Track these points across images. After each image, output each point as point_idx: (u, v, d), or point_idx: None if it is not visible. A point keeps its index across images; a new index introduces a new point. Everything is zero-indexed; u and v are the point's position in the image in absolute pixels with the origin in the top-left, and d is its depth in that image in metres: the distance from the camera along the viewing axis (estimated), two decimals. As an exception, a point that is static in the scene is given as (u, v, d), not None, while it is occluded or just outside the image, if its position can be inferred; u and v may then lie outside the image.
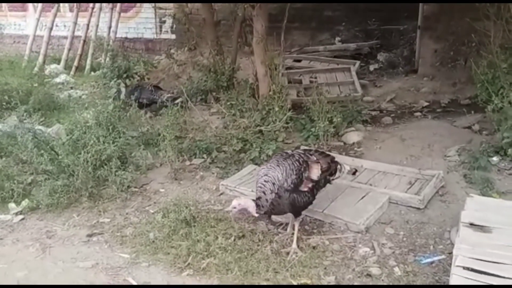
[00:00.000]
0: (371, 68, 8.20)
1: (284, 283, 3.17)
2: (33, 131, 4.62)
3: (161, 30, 10.85)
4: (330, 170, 3.75)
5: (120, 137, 4.70)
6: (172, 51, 9.39)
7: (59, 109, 6.86)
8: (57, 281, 3.24)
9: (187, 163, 5.02)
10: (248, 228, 3.79)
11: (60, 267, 3.43)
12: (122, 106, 5.54)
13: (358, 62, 8.00)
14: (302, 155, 3.66)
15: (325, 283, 3.15)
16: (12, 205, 4.23)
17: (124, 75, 7.17)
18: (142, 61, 7.70)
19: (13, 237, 3.83)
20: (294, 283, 3.16)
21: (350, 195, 4.13)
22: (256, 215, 3.57)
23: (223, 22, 7.27)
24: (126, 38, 10.97)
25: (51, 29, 10.09)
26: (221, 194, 4.46)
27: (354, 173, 4.18)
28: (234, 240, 3.64)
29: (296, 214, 3.62)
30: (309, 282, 3.17)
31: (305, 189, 3.54)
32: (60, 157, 4.41)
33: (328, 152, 4.02)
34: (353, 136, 5.33)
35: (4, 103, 6.50)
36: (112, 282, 3.23)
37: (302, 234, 3.73)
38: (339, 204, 4.00)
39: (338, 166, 3.83)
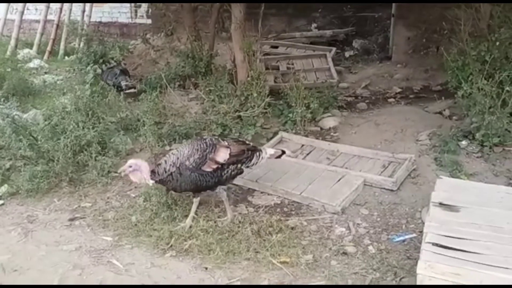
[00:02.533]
0: (347, 54, 8.36)
1: (265, 262, 3.30)
2: (12, 117, 4.59)
3: (136, 15, 10.73)
4: (244, 156, 3.80)
5: (99, 123, 4.71)
6: (147, 36, 9.35)
7: (34, 95, 6.77)
8: (41, 264, 3.29)
9: (167, 148, 5.05)
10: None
11: (44, 250, 3.47)
12: (101, 91, 5.52)
13: (334, 49, 8.13)
14: (214, 140, 3.80)
15: (303, 262, 3.29)
16: (-9, 190, 4.23)
17: (101, 61, 7.12)
18: (118, 46, 7.64)
19: (-6, 222, 3.85)
20: (274, 261, 3.29)
21: (327, 178, 4.28)
22: (151, 181, 3.66)
23: (200, 7, 7.25)
24: (100, 22, 10.82)
25: (22, 12, 9.85)
26: (201, 178, 4.54)
27: (280, 156, 4.05)
28: (215, 222, 3.75)
29: (196, 192, 3.81)
30: (288, 260, 3.31)
31: (208, 170, 3.65)
32: (39, 142, 4.41)
33: (248, 142, 4.07)
34: (329, 122, 5.48)
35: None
36: (96, 264, 3.30)
37: (281, 216, 3.86)
38: (316, 187, 4.15)
39: (257, 153, 3.88)
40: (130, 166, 3.62)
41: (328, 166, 4.51)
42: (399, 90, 6.64)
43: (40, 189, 4.23)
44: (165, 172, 3.62)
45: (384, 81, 7.07)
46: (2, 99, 4.94)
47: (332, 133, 5.31)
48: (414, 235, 3.57)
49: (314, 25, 9.32)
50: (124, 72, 6.90)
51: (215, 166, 3.66)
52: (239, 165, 3.79)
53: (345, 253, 3.41)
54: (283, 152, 4.06)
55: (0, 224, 3.82)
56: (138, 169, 3.62)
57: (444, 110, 5.47)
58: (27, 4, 10.05)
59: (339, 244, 3.52)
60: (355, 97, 6.50)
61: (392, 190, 4.14)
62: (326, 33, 8.84)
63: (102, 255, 3.42)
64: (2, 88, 6.30)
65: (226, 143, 3.78)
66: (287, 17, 9.45)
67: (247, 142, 4.01)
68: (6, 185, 4.28)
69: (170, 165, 3.63)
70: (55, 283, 3.10)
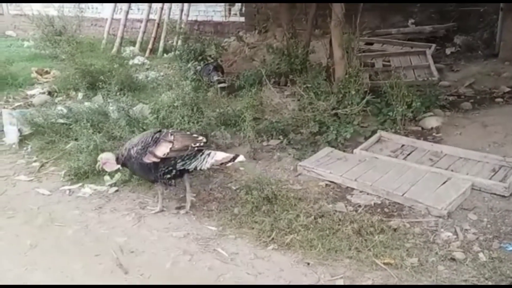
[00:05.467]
0: (448, 51, 7.96)
1: (367, 262, 3.26)
2: (126, 110, 4.95)
3: (229, 13, 11.04)
4: (187, 153, 3.85)
5: (203, 117, 4.93)
6: (240, 33, 9.60)
7: (139, 90, 7.24)
8: (154, 247, 3.53)
9: (265, 143, 5.18)
10: (328, 208, 3.91)
11: (155, 235, 3.71)
12: (205, 87, 5.77)
13: (433, 46, 7.77)
14: (162, 133, 3.95)
15: (408, 265, 3.21)
16: (107, 177, 4.58)
17: (199, 58, 7.45)
18: (214, 43, 7.94)
19: (111, 206, 4.17)
20: (378, 262, 3.25)
21: (431, 180, 4.13)
22: (117, 165, 4.07)
23: (297, 5, 7.28)
24: (196, 21, 11.28)
25: (127, 12, 10.56)
26: (299, 174, 4.59)
27: (231, 161, 3.91)
28: (315, 219, 3.77)
29: (149, 180, 4.15)
30: (392, 262, 3.24)
31: (148, 161, 3.85)
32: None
33: (201, 139, 3.94)
34: (431, 121, 5.27)
35: (90, 84, 7.00)
36: (203, 251, 3.47)
37: (382, 216, 3.79)
38: (420, 189, 4.01)
39: (202, 156, 3.88)
40: (99, 160, 4.11)
41: (431, 168, 4.35)
42: (507, 89, 6.20)
43: (149, 178, 4.51)
44: (122, 156, 3.98)
45: (490, 79, 6.65)
46: (117, 93, 5.34)
47: (434, 134, 5.10)
48: (531, 245, 3.33)
49: (411, 20, 8.96)
50: (217, 68, 7.20)
51: (153, 159, 3.84)
52: (179, 162, 3.86)
53: (453, 259, 3.27)
54: (235, 157, 3.93)
55: (116, 208, 4.13)
56: (107, 161, 4.05)
57: (562, 112, 5.03)
58: (131, 4, 10.74)
59: (446, 249, 3.38)
60: (458, 96, 6.18)
61: (504, 196, 3.90)
62: (425, 29, 8.46)
63: (208, 243, 3.58)
64: (110, 84, 6.80)
65: (172, 138, 3.88)
66: (382, 12, 9.16)
67: (200, 139, 3.96)
68: (119, 173, 4.61)
69: (124, 149, 3.99)
70: (168, 266, 3.31)
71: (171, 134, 3.94)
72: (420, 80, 6.18)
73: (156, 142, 3.87)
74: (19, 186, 4.61)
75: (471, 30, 8.20)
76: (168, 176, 3.91)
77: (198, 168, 3.95)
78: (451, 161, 4.48)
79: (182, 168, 3.91)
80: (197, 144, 3.89)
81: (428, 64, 6.95)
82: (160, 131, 4.02)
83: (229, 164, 3.99)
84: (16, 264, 3.38)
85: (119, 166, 4.08)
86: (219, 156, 3.92)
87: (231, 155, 3.96)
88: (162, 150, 3.84)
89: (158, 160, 3.84)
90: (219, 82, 6.74)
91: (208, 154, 3.92)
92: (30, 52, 10.35)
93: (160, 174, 3.89)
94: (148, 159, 3.85)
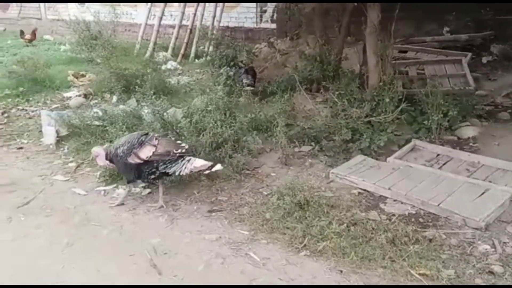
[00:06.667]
0: (484, 60, 7.78)
1: (402, 272, 3.21)
2: (161, 114, 5.03)
3: (261, 20, 11.11)
4: (169, 158, 4.04)
5: (235, 122, 4.95)
6: (271, 40, 9.64)
7: (171, 94, 7.33)
8: (187, 250, 3.56)
9: (296, 149, 5.17)
10: (361, 216, 3.87)
11: (188, 237, 3.74)
12: (238, 92, 5.81)
13: (469, 54, 7.62)
14: (148, 137, 4.14)
15: (445, 276, 3.14)
16: (140, 179, 4.66)
17: (231, 63, 7.50)
18: (245, 50, 7.98)
19: (144, 207, 4.23)
20: (413, 272, 3.19)
21: (468, 190, 4.04)
22: (106, 161, 4.21)
23: (331, 12, 7.27)
24: (227, 27, 11.39)
25: (161, 18, 10.75)
26: (331, 181, 4.56)
27: (209, 168, 4.10)
28: (347, 226, 3.72)
29: (128, 180, 4.26)
30: (428, 273, 3.18)
31: (131, 162, 4.06)
32: (183, 138, 4.76)
33: (184, 146, 4.15)
34: (468, 131, 5.16)
35: (124, 87, 7.14)
36: (235, 255, 3.48)
37: (417, 226, 3.72)
38: (456, 199, 3.93)
39: (182, 161, 4.06)
40: (91, 153, 4.35)
41: (468, 178, 4.25)
42: (547, 100, 6.03)
43: (182, 181, 4.57)
44: (110, 153, 4.17)
45: (529, 89, 6.47)
46: (152, 97, 5.43)
47: (471, 144, 5.00)
48: None
49: (446, 28, 8.82)
50: (248, 71, 7.26)
51: (137, 161, 4.05)
52: (161, 165, 4.06)
53: (491, 272, 3.18)
54: (212, 166, 4.10)
55: (149, 210, 4.19)
56: (98, 155, 4.24)
57: None
58: (164, 11, 10.93)
59: (483, 262, 3.29)
60: (495, 106, 6.04)
61: (545, 209, 3.77)
62: (461, 37, 8.31)
63: (240, 247, 3.59)
64: (144, 87, 6.92)
65: (156, 142, 4.08)
66: (416, 20, 9.04)
67: (182, 145, 4.15)
68: (152, 175, 4.68)
69: (113, 147, 4.17)
70: (201, 268, 3.33)
71: (156, 139, 4.14)
72: (456, 89, 6.06)
73: (141, 144, 4.08)
74: (56, 186, 4.72)
75: (509, 39, 8.00)
76: (152, 176, 4.14)
77: (177, 173, 4.13)
78: (489, 172, 4.37)
79: (163, 171, 4.12)
80: (179, 151, 4.09)
81: (464, 73, 6.82)
82: (147, 134, 4.23)
83: (207, 172, 4.17)
84: (54, 261, 3.46)
85: (107, 162, 4.23)
86: (198, 163, 4.10)
87: (209, 163, 4.13)
88: (146, 153, 4.05)
89: (141, 162, 4.05)
90: (248, 85, 6.79)
91: (188, 161, 4.11)
92: (67, 55, 10.64)
93: (145, 175, 4.12)
94: (132, 159, 4.06)
